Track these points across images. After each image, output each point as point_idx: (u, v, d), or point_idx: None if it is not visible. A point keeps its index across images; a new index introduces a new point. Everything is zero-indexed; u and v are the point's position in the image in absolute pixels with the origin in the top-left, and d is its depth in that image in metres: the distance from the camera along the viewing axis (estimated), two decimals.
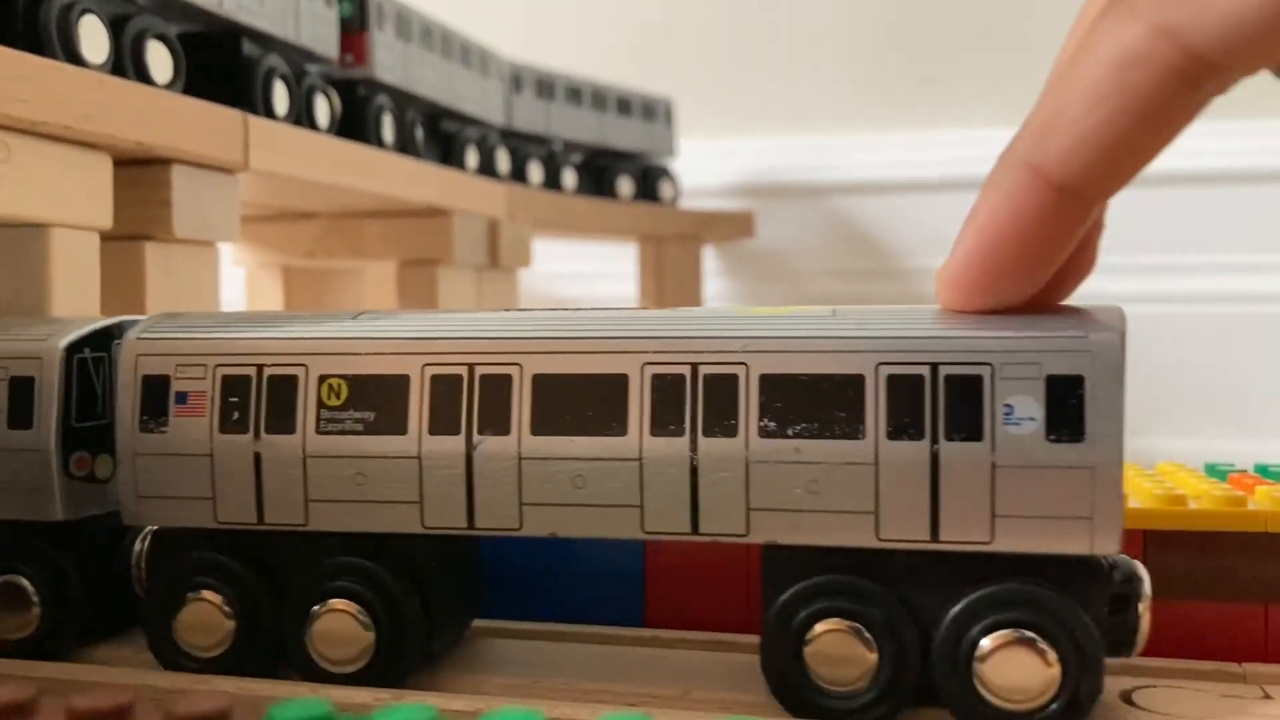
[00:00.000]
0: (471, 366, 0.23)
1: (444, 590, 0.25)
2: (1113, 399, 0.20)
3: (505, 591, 0.29)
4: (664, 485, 0.22)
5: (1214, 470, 0.31)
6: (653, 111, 0.92)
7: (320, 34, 0.48)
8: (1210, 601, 0.26)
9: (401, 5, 0.57)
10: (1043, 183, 0.20)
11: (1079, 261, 0.23)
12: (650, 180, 0.89)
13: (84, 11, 0.35)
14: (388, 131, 0.55)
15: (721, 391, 0.22)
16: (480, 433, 0.23)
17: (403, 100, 0.57)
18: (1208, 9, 0.19)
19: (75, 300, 0.34)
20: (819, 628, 0.22)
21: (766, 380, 0.22)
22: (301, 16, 0.47)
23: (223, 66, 0.43)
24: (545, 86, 0.75)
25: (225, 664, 0.25)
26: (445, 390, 0.23)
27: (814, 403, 0.21)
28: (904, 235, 1.00)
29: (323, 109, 0.48)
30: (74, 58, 0.34)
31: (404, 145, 0.56)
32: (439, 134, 0.64)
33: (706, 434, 0.22)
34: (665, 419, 0.22)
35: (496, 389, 0.23)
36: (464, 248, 0.62)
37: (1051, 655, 0.21)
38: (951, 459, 0.21)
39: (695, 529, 0.22)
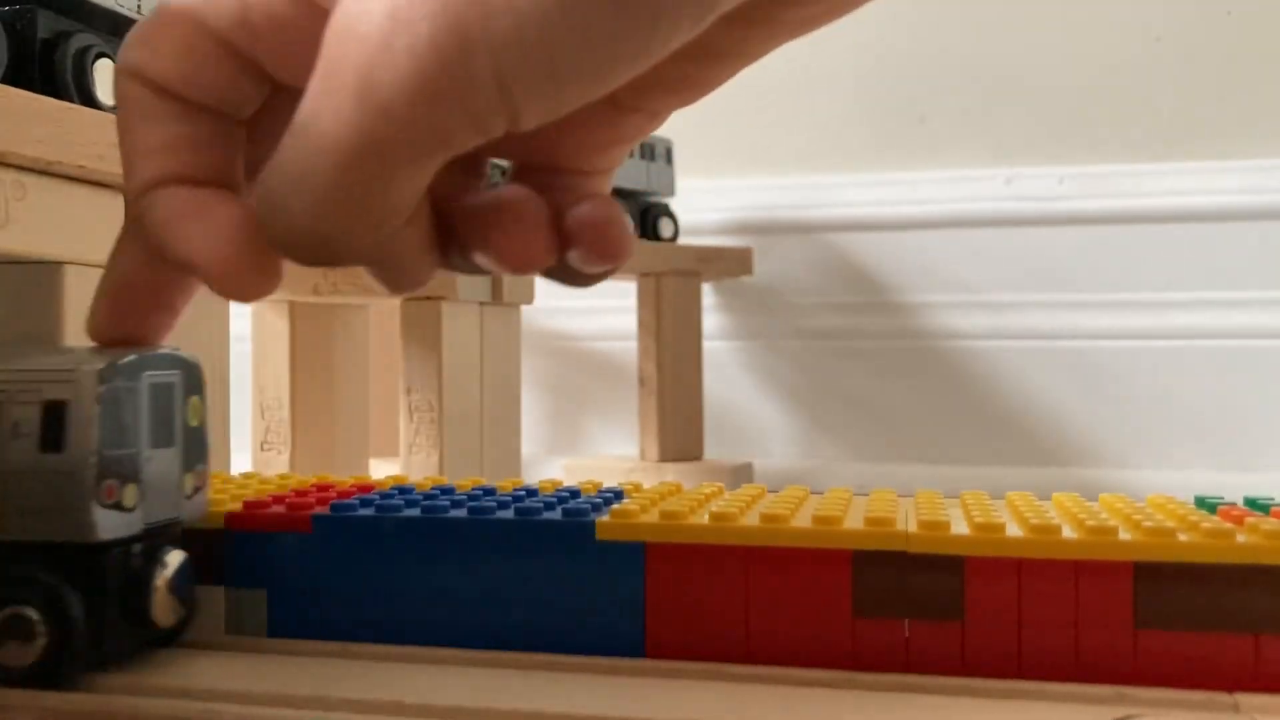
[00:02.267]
0: None
1: None
2: (88, 419, 0.26)
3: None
4: None
5: (1203, 503, 0.31)
6: (653, 151, 0.93)
7: None
8: (1200, 632, 0.26)
9: None
10: (140, 247, 0.25)
11: (163, 307, 0.27)
12: (651, 218, 0.89)
13: (99, 55, 0.36)
14: None
15: None
16: None
17: None
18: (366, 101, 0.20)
19: (87, 337, 0.35)
20: None
21: None
22: None
23: None
24: None
25: None
26: None
27: None
28: (897, 270, 1.01)
29: None
30: (89, 100, 0.35)
31: None
32: None
33: None
34: None
35: None
36: (467, 284, 0.63)
37: (40, 628, 0.26)
38: None
39: None
